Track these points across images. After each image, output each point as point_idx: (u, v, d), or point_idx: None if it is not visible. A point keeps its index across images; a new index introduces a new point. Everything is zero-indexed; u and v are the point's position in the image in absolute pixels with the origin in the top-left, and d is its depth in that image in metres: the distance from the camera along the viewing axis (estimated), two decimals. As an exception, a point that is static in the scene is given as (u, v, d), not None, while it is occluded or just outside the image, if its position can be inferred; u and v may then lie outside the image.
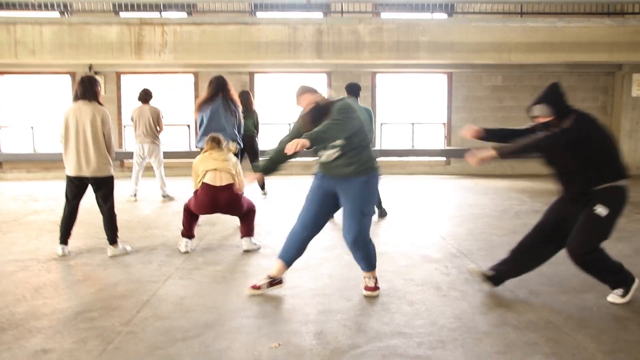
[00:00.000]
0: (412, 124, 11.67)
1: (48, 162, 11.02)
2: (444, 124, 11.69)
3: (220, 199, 4.96)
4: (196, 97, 11.18)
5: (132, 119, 8.10)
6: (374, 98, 11.52)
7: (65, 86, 11.19)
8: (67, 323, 3.24)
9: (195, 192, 5.09)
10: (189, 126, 11.31)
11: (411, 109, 11.93)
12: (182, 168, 11.09)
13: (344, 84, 11.62)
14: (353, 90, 6.87)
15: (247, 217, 5.18)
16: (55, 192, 8.91)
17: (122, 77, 11.16)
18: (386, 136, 11.59)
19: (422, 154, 11.68)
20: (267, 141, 11.56)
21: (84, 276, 4.32)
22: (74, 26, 9.15)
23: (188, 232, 5.13)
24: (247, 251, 5.06)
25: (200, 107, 6.21)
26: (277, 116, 11.67)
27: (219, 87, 6.22)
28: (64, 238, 4.94)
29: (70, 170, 4.81)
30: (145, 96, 8.03)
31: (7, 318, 3.31)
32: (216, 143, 5.14)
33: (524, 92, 11.61)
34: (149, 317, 3.33)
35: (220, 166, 4.99)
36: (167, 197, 8.12)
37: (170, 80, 11.51)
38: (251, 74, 11.25)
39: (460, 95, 11.62)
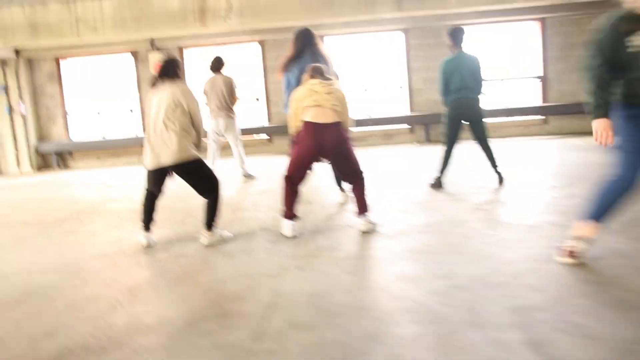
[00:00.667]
0: (502, 80, 10.43)
1: (117, 148, 10.56)
2: (539, 77, 10.38)
3: (327, 139, 4.09)
4: (264, 67, 10.38)
5: (204, 92, 7.36)
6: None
7: (127, 66, 10.63)
8: (181, 339, 2.47)
9: (296, 138, 4.25)
10: (257, 99, 10.54)
11: (499, 64, 10.67)
12: (252, 146, 10.37)
13: (423, 42, 10.55)
14: (458, 36, 5.77)
15: (358, 187, 4.28)
16: (129, 179, 8.38)
17: (185, 51, 10.47)
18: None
19: (515, 113, 10.41)
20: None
21: (182, 272, 3.58)
22: (133, -2, 8.49)
23: (291, 212, 4.30)
24: (365, 232, 4.20)
25: (285, 67, 5.34)
26: (348, 83, 10.71)
27: (305, 41, 5.31)
28: (147, 224, 4.24)
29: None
30: (218, 64, 7.25)
31: (106, 333, 2.58)
32: (319, 73, 4.29)
33: (632, 34, 10.11)
34: (284, 326, 2.51)
35: (324, 102, 4.11)
36: (248, 177, 7.37)
37: (234, 52, 10.70)
38: (321, 37, 10.29)
39: (555, 43, 10.25)
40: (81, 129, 10.90)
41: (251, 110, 10.44)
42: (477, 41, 10.53)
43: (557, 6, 9.48)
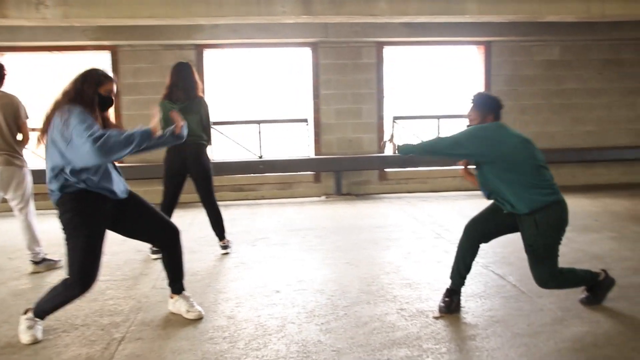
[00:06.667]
0: (437, 118, 8.13)
1: None
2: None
3: None
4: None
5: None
6: (380, 80, 7.93)
7: None
8: None
9: None
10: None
11: (432, 98, 8.39)
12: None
13: (336, 61, 8.09)
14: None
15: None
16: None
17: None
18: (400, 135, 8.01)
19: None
20: (225, 150, 7.81)
21: None
22: None
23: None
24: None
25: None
26: (240, 112, 7.98)
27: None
28: None
29: None
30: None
31: None
32: None
33: (589, 69, 8.27)
34: None
35: None
36: (40, 264, 4.36)
37: (78, 62, 7.55)
38: (199, 49, 7.49)
39: (502, 75, 8.15)
40: None
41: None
42: (400, 67, 8.22)
43: (505, 27, 7.37)
